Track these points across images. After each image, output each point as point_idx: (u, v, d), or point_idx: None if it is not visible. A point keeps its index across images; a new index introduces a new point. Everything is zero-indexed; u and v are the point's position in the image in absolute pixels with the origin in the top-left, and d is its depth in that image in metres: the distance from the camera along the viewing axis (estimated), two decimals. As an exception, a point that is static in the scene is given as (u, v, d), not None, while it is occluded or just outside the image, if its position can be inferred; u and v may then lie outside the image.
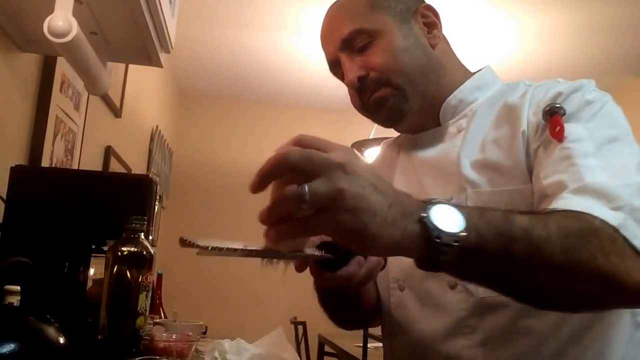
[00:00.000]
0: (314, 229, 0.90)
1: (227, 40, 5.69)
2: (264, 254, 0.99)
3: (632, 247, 1.07)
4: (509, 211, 1.03)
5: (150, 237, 2.06)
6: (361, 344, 4.42)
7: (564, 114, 1.33)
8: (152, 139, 5.53)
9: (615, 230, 1.07)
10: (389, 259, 1.50)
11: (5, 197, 2.07)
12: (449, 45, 1.63)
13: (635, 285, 1.05)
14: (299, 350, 5.73)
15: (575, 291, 1.05)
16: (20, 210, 2.06)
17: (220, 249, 0.94)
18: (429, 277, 1.44)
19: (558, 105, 1.34)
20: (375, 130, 5.55)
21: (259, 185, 0.90)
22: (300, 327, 5.99)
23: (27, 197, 2.08)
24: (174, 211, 6.72)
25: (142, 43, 2.34)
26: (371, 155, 5.22)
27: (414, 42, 1.53)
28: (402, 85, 1.51)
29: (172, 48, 2.44)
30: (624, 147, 1.29)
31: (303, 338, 5.94)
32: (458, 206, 0.97)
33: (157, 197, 2.27)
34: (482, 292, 1.36)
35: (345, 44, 1.53)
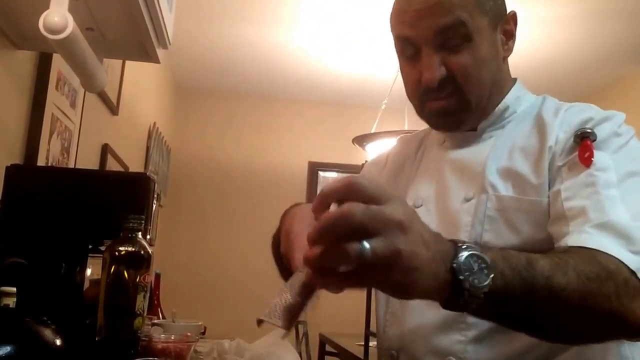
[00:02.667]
0: (361, 282, 0.90)
1: (224, 35, 5.69)
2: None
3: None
4: (531, 256, 1.06)
5: (148, 237, 2.07)
6: (362, 343, 4.42)
7: (594, 140, 1.35)
8: (149, 137, 5.53)
9: (631, 272, 1.12)
10: None
11: (0, 197, 2.07)
12: None
13: (638, 323, 1.12)
14: (299, 349, 5.73)
15: (585, 329, 1.12)
16: (16, 210, 2.06)
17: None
18: None
19: (590, 131, 1.35)
20: (376, 124, 5.55)
21: (317, 239, 0.87)
22: (300, 327, 5.99)
23: (22, 196, 2.08)
24: (172, 210, 6.73)
25: (139, 39, 2.33)
26: (372, 149, 5.21)
27: (495, 54, 1.51)
28: (472, 100, 1.49)
29: (169, 43, 2.43)
30: None
31: (304, 337, 5.94)
32: (484, 249, 0.98)
33: (155, 196, 2.27)
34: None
35: (440, 35, 1.44)
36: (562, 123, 1.44)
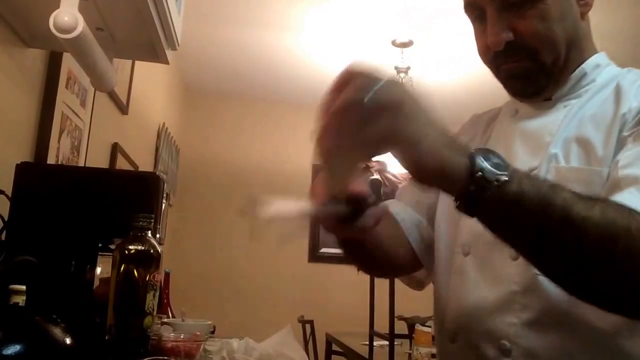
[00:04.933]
0: (370, 138, 0.94)
1: (232, 39, 5.70)
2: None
3: None
4: (557, 184, 1.04)
5: (158, 236, 2.06)
6: (367, 342, 4.42)
7: None
8: (159, 136, 5.53)
9: None
10: (462, 223, 1.52)
11: (10, 195, 2.06)
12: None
13: None
14: (306, 349, 5.73)
15: (595, 275, 1.03)
16: (26, 208, 2.06)
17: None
18: (494, 246, 1.38)
19: None
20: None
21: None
22: (307, 326, 5.99)
23: (32, 194, 2.08)
24: (181, 209, 6.74)
25: (148, 39, 2.34)
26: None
27: (568, 11, 1.43)
28: (548, 63, 1.43)
29: (178, 45, 2.45)
30: None
31: (311, 337, 5.94)
32: (508, 162, 1.01)
33: (165, 195, 2.26)
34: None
35: None
36: (638, 92, 1.38)
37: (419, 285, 3.05)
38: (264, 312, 6.68)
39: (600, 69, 1.49)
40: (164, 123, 5.68)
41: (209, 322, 2.48)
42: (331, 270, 6.73)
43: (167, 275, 2.77)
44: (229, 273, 6.82)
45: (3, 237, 2.01)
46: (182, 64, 6.36)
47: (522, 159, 1.44)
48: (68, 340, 1.28)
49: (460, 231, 1.54)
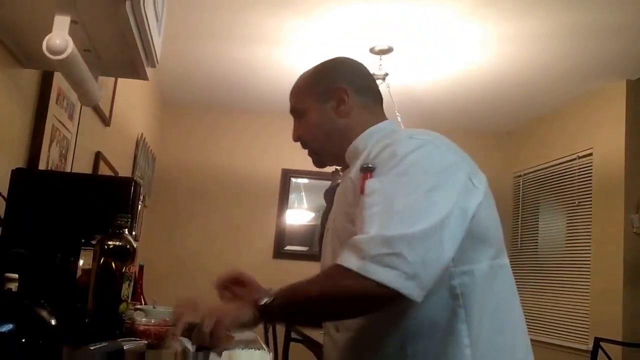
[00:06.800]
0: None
1: (208, 53, 5.59)
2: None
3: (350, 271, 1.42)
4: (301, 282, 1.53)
5: (134, 233, 2.09)
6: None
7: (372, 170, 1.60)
8: (137, 145, 5.51)
9: (345, 269, 1.43)
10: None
11: (6, 197, 2.09)
12: (368, 106, 1.88)
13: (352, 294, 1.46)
14: (266, 336, 5.73)
15: (335, 308, 1.53)
16: (20, 208, 2.08)
17: None
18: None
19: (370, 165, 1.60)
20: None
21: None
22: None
23: (25, 196, 2.10)
24: (155, 210, 6.71)
25: (130, 58, 2.33)
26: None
27: (325, 118, 1.84)
28: (316, 150, 1.89)
29: (157, 62, 2.43)
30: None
31: (270, 326, 5.91)
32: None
33: (141, 198, 2.29)
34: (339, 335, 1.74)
35: (292, 112, 1.92)
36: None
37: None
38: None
39: (361, 140, 1.81)
40: (142, 133, 5.66)
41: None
42: (295, 267, 6.71)
43: (141, 268, 2.77)
44: (197, 266, 6.77)
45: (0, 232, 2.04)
46: (159, 79, 6.29)
47: (336, 209, 1.84)
48: (54, 321, 1.31)
49: None
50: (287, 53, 5.43)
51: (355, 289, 1.42)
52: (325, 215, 2.65)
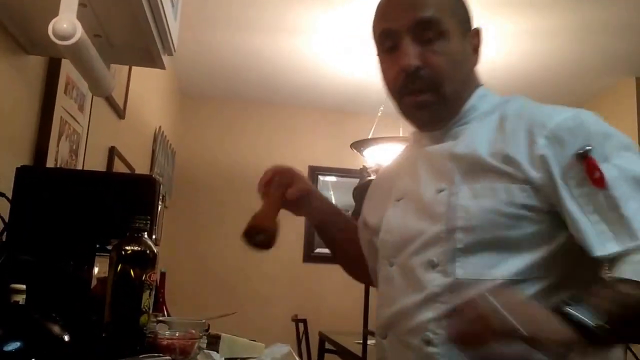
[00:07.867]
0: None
1: (227, 42, 5.68)
2: None
3: None
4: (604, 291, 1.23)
5: (154, 237, 2.07)
6: (361, 341, 4.43)
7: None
8: (155, 140, 5.53)
9: None
10: (385, 237, 1.66)
11: (11, 197, 2.07)
12: None
13: None
14: (299, 347, 5.74)
15: None
16: (26, 210, 2.07)
17: None
18: (414, 256, 1.53)
19: (589, 148, 1.37)
20: (373, 130, 5.56)
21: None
22: (301, 325, 6.00)
23: (32, 197, 2.08)
24: (176, 211, 6.73)
25: (145, 45, 2.34)
26: (370, 154, 5.23)
27: (466, 57, 1.60)
28: (449, 96, 1.56)
29: (174, 50, 2.44)
30: None
31: (304, 335, 5.94)
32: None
33: (160, 197, 2.27)
34: (459, 273, 1.44)
35: (418, 26, 1.53)
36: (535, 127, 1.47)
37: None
38: (258, 311, 6.68)
39: (483, 98, 1.63)
40: (160, 127, 5.68)
41: (204, 321, 2.48)
42: (325, 271, 6.71)
43: (162, 275, 2.77)
44: (223, 273, 6.81)
45: (4, 238, 2.01)
46: (178, 68, 6.36)
47: (429, 182, 1.57)
48: (66, 337, 1.29)
49: (382, 245, 1.68)
50: (311, 43, 5.58)
51: None
52: (354, 215, 2.64)
